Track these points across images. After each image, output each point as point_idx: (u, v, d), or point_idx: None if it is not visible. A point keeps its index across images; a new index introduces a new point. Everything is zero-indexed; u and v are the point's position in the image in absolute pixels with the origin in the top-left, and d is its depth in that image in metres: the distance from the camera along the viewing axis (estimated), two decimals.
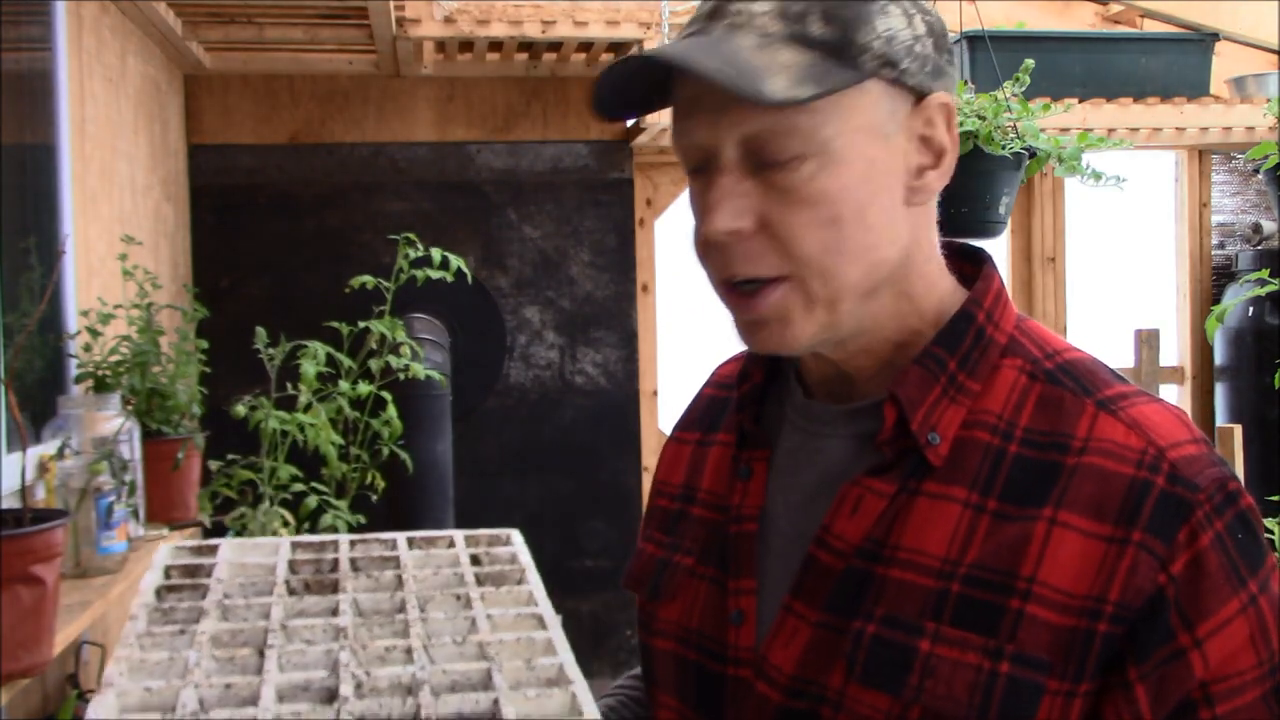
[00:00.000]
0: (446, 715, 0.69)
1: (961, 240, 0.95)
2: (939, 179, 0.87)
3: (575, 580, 3.95)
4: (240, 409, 2.41)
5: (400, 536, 1.01)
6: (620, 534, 3.99)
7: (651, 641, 0.97)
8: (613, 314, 3.99)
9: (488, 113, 3.91)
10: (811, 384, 0.94)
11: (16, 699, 1.69)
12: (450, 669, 0.74)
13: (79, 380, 2.26)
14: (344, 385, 2.57)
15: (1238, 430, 2.10)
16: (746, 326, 0.86)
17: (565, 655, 0.78)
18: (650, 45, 3.39)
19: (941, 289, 0.90)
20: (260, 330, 2.42)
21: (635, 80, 0.86)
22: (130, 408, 2.13)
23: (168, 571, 0.92)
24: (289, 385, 2.47)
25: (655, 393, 4.17)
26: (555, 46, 3.56)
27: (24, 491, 1.43)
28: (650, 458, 4.05)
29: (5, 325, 2.02)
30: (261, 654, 0.76)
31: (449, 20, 3.25)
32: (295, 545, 0.97)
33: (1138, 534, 0.78)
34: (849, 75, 0.81)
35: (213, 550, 0.96)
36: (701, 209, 0.84)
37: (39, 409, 2.12)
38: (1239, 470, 2.04)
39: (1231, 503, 0.80)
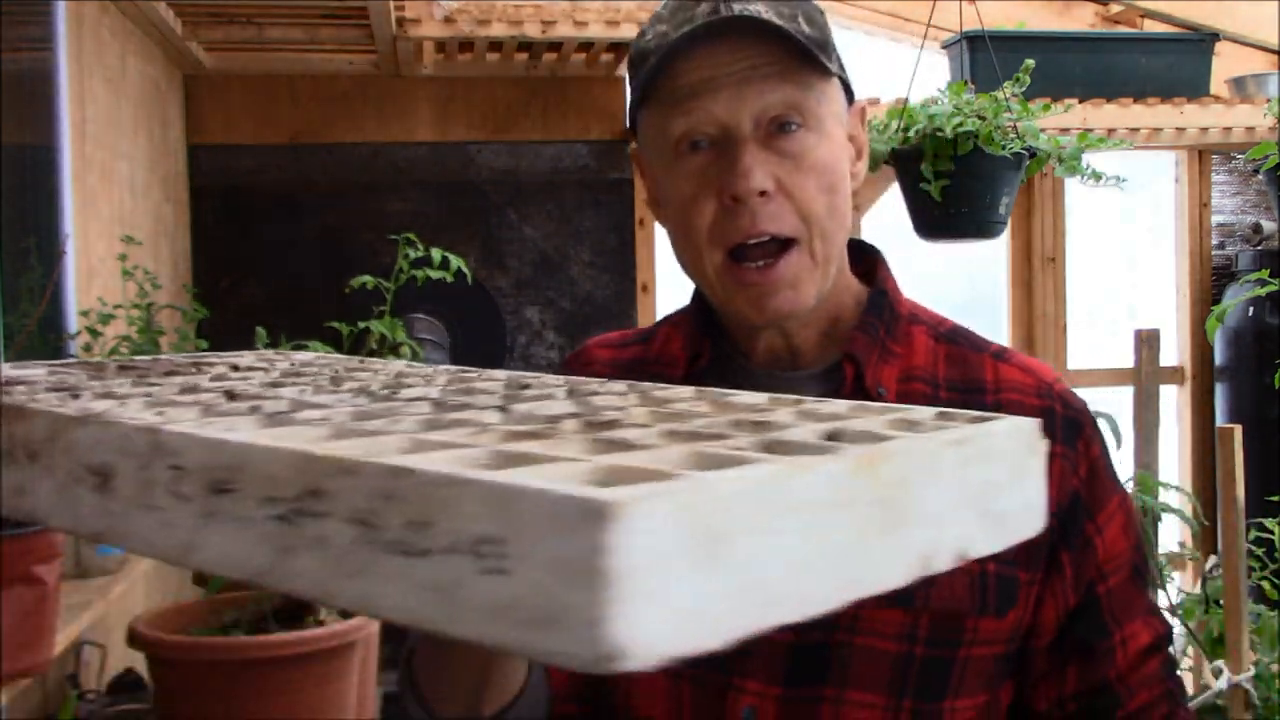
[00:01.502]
0: None
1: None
2: (860, 175, 1.02)
3: None
4: None
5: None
6: None
7: None
8: (613, 314, 3.99)
9: (488, 113, 3.91)
10: (758, 359, 1.04)
11: (17, 699, 1.69)
12: None
13: None
14: None
15: (1238, 430, 2.09)
16: (759, 295, 0.96)
17: None
18: None
19: (851, 273, 1.07)
20: (260, 330, 2.42)
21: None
22: None
23: None
24: None
25: None
26: (555, 47, 3.56)
27: None
28: None
29: (5, 325, 2.02)
30: None
31: (449, 20, 3.25)
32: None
33: (1058, 447, 0.98)
34: (831, 67, 0.96)
35: None
36: (725, 176, 0.94)
37: None
38: (1239, 470, 2.03)
39: (1096, 422, 1.03)
